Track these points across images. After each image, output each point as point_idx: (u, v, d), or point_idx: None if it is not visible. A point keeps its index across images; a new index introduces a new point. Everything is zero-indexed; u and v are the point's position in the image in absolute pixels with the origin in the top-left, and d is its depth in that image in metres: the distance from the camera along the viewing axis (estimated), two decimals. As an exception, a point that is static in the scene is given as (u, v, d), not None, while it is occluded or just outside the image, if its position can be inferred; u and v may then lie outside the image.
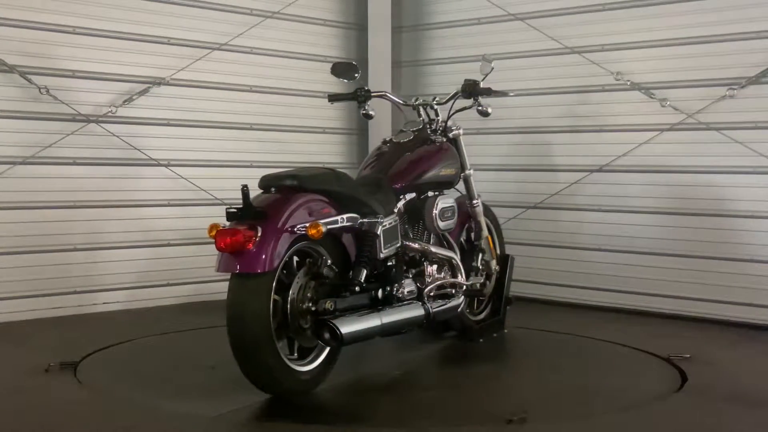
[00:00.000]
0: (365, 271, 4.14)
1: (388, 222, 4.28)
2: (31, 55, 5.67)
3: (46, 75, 5.73)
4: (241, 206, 3.78)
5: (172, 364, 4.68)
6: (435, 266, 4.69)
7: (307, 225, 3.80)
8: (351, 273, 4.14)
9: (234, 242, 3.67)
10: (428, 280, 4.58)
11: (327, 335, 3.83)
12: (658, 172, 6.03)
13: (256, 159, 6.76)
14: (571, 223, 6.42)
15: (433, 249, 4.70)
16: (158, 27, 6.22)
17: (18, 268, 5.65)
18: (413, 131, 4.84)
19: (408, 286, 4.37)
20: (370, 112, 5.02)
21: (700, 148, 5.85)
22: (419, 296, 4.43)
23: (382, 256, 4.24)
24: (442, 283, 4.69)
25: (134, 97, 6.10)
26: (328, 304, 3.88)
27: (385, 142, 4.89)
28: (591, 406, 3.96)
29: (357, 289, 4.06)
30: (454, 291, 4.77)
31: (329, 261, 4.04)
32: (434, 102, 5.01)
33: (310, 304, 3.91)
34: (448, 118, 4.99)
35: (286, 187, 3.94)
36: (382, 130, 6.75)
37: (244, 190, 3.75)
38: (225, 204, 6.52)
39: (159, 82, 6.21)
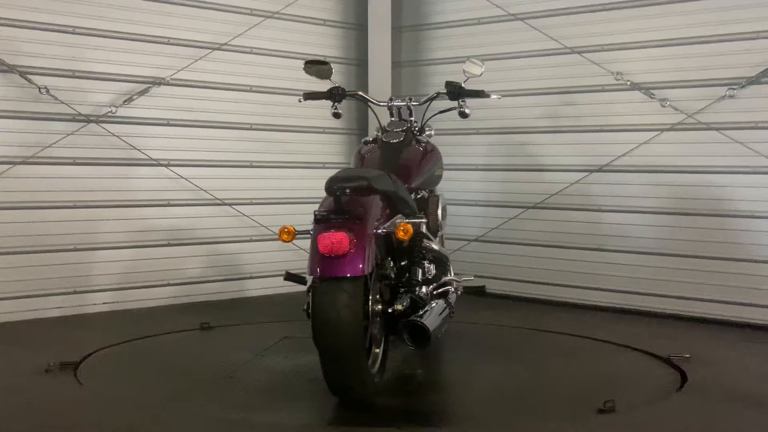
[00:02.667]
0: (420, 271, 4.13)
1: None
2: (31, 55, 5.67)
3: (46, 75, 5.73)
4: (329, 209, 3.74)
5: (171, 364, 4.68)
6: (434, 264, 4.69)
7: (395, 226, 3.77)
8: (408, 273, 4.13)
9: (339, 246, 3.61)
10: (430, 278, 4.58)
11: (413, 336, 3.80)
12: (658, 172, 6.03)
13: (256, 159, 6.76)
14: (571, 223, 6.41)
15: (435, 247, 4.70)
16: (158, 27, 6.22)
17: (18, 268, 5.65)
18: (401, 131, 4.81)
19: (424, 284, 4.36)
20: (339, 111, 4.98)
21: (700, 148, 5.85)
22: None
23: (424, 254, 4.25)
24: (442, 282, 4.69)
25: (134, 97, 6.10)
26: (400, 306, 3.87)
27: (367, 143, 4.85)
28: (591, 406, 3.96)
29: (417, 289, 4.04)
30: (453, 289, 4.77)
31: (392, 263, 4.03)
32: (411, 102, 5.00)
33: (380, 306, 3.90)
34: (430, 118, 4.96)
35: (359, 189, 3.88)
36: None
37: (338, 193, 3.72)
38: (225, 204, 6.55)
39: (159, 82, 6.21)
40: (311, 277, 3.72)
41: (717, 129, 5.75)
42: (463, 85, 4.83)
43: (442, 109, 4.95)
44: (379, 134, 4.88)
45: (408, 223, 3.84)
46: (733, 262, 5.70)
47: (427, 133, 4.98)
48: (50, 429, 3.59)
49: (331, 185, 3.84)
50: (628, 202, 6.15)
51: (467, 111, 4.84)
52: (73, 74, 5.86)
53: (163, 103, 6.25)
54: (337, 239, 3.61)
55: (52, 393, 4.05)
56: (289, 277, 4.46)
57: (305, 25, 7.04)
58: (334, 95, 4.91)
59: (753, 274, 5.61)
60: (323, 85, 4.95)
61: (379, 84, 7.09)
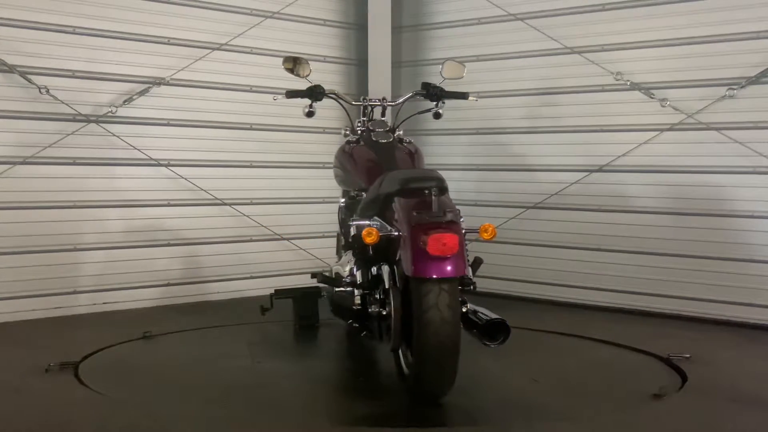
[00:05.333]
0: (471, 270, 4.16)
1: None
2: (31, 55, 5.67)
3: (46, 75, 5.73)
4: (423, 209, 3.75)
5: (172, 364, 4.68)
6: None
7: (479, 227, 3.80)
8: None
9: (451, 246, 3.64)
10: None
11: (495, 334, 3.82)
12: (658, 172, 6.03)
13: (256, 159, 6.76)
14: (571, 223, 6.42)
15: None
16: (158, 27, 6.22)
17: (18, 268, 5.65)
18: (388, 131, 4.83)
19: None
20: (314, 110, 4.96)
21: (700, 148, 5.85)
22: None
23: None
24: None
25: (134, 97, 6.10)
26: (469, 305, 3.89)
27: (350, 142, 4.85)
28: (591, 406, 3.97)
29: (471, 288, 4.05)
30: None
31: None
32: (385, 102, 5.01)
33: None
34: (407, 119, 4.99)
35: (439, 189, 3.88)
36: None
37: (433, 193, 3.74)
38: (225, 204, 6.55)
39: (159, 82, 6.21)
40: (410, 276, 3.70)
41: (717, 129, 5.75)
42: (443, 87, 4.91)
43: (420, 110, 5.06)
44: (351, 133, 4.93)
45: (489, 224, 3.87)
46: (733, 262, 5.70)
47: (398, 133, 5.00)
48: (50, 429, 3.59)
49: (411, 186, 3.86)
50: (628, 202, 6.15)
51: (441, 112, 4.97)
52: (73, 74, 5.86)
53: (163, 103, 6.25)
54: (449, 240, 3.64)
55: (52, 393, 4.05)
56: (324, 279, 4.48)
57: (305, 25, 7.04)
58: (315, 93, 4.92)
59: (753, 274, 5.61)
60: (303, 83, 4.96)
61: (379, 84, 7.09)
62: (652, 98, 6.00)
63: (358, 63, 7.37)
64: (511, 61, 6.67)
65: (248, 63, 6.68)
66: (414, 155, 4.77)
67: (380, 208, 4.12)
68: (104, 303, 6.00)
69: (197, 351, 4.99)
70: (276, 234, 6.81)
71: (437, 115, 4.99)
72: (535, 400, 4.08)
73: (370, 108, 4.99)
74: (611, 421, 3.75)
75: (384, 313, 3.96)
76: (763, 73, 5.55)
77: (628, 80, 6.09)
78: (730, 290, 5.70)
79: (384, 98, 5.07)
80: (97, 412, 3.81)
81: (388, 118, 5.04)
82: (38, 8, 5.69)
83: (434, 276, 3.65)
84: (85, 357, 4.62)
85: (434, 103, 4.99)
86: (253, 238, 6.73)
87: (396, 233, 3.82)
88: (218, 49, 6.51)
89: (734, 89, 5.65)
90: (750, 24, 5.60)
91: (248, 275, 6.70)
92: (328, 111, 6.95)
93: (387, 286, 3.96)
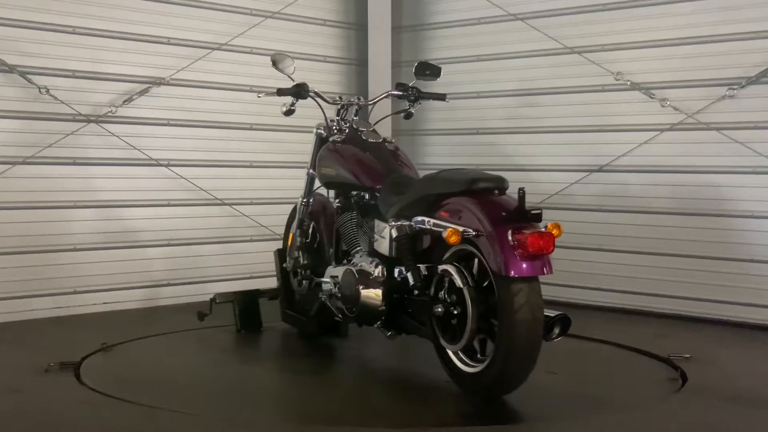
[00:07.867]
0: None
1: None
2: (31, 55, 5.67)
3: (46, 75, 5.73)
4: (511, 209, 3.77)
5: (172, 365, 4.68)
6: None
7: (549, 225, 3.83)
8: None
9: (548, 245, 3.70)
10: None
11: (554, 328, 3.84)
12: (658, 172, 6.03)
13: (256, 159, 6.76)
14: (571, 223, 6.38)
15: None
16: (158, 27, 6.22)
17: (18, 268, 5.65)
18: (373, 131, 4.85)
19: None
20: (294, 109, 4.97)
21: (700, 148, 5.85)
22: None
23: None
24: None
25: (134, 97, 6.10)
26: None
27: (335, 142, 4.86)
28: (591, 406, 3.96)
29: None
30: None
31: None
32: (361, 102, 5.04)
33: None
34: (382, 119, 5.06)
35: (505, 189, 3.91)
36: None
37: (521, 193, 3.75)
38: (225, 204, 6.55)
39: (159, 82, 6.21)
40: (499, 275, 3.70)
41: (717, 129, 5.75)
42: (418, 87, 4.98)
43: (396, 111, 5.19)
44: (326, 131, 4.97)
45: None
46: (733, 262, 5.70)
47: None
48: (50, 429, 3.59)
49: (480, 186, 3.89)
50: (628, 202, 6.15)
51: (413, 112, 5.07)
52: (73, 74, 5.86)
53: (163, 103, 6.25)
54: (547, 238, 3.69)
55: (52, 393, 4.05)
56: (368, 283, 4.46)
57: (305, 25, 7.04)
58: (303, 92, 4.95)
59: (753, 274, 5.61)
60: (288, 81, 4.98)
61: (379, 84, 7.08)
62: (652, 98, 6.00)
63: (358, 63, 7.37)
64: (511, 61, 6.67)
65: (248, 63, 6.68)
66: (400, 154, 4.80)
67: (429, 207, 4.07)
68: (104, 303, 6.00)
69: (197, 351, 5.00)
70: (276, 234, 6.80)
71: (409, 116, 5.06)
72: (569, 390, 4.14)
73: (345, 108, 5.01)
74: (610, 421, 3.75)
75: (456, 312, 3.90)
76: (763, 73, 5.55)
77: (628, 80, 6.09)
78: (730, 290, 5.69)
79: (359, 98, 5.11)
80: (97, 412, 3.81)
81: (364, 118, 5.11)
82: (38, 8, 5.69)
83: (530, 274, 3.68)
84: (85, 357, 4.62)
85: (408, 103, 5.04)
86: (253, 238, 6.73)
87: (474, 232, 3.79)
88: (218, 49, 6.50)
89: (734, 89, 5.65)
90: (750, 24, 5.60)
91: (248, 275, 6.69)
92: (328, 111, 6.96)
93: (459, 285, 3.88)
